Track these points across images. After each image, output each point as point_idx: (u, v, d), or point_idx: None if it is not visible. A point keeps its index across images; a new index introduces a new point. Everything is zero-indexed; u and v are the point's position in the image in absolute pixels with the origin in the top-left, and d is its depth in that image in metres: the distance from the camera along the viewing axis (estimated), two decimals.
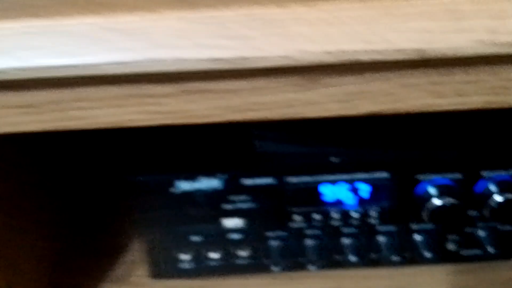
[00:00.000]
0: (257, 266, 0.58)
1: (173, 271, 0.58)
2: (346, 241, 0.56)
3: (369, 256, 0.58)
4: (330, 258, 0.58)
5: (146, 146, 0.55)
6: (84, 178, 0.72)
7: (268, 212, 0.54)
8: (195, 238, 0.56)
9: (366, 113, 0.36)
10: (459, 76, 0.34)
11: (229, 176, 0.51)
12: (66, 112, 0.35)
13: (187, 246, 0.56)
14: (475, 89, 0.35)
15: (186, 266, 0.58)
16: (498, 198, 0.51)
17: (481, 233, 0.56)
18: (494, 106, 0.36)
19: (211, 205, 0.53)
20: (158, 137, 0.57)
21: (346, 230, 0.56)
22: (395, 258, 0.57)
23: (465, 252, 0.58)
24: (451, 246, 0.57)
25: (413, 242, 0.56)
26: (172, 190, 0.52)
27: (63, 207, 0.65)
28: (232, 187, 0.52)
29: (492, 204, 0.51)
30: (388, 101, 0.35)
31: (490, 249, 0.55)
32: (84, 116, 0.35)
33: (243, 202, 0.53)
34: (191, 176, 0.51)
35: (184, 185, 0.52)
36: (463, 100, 0.35)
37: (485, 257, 0.57)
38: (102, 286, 0.60)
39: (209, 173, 0.51)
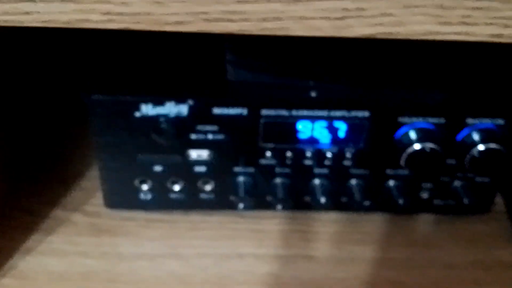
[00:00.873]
0: (222, 202, 0.55)
1: (130, 201, 0.55)
2: (317, 182, 0.53)
3: (340, 200, 0.55)
4: (299, 199, 0.55)
5: (108, 63, 0.50)
6: (38, 97, 0.66)
7: (237, 146, 0.50)
8: (157, 168, 0.52)
9: (360, 35, 0.32)
10: (469, 1, 0.30)
11: (199, 103, 0.47)
12: (15, 5, 0.30)
13: (147, 175, 0.52)
14: (484, 17, 0.31)
15: (145, 197, 0.54)
16: (480, 147, 0.48)
17: (458, 183, 0.54)
18: (500, 40, 0.32)
19: (176, 134, 0.48)
20: (122, 53, 0.51)
21: (318, 170, 0.53)
22: (366, 203, 0.54)
23: (438, 203, 0.56)
24: (425, 195, 0.55)
25: (387, 188, 0.54)
26: (135, 113, 0.47)
27: (16, 131, 0.60)
28: (200, 115, 0.48)
29: (474, 153, 0.49)
30: (386, 23, 0.31)
31: (465, 201, 0.53)
32: (34, 10, 0.30)
33: (211, 132, 0.49)
34: (157, 99, 0.47)
35: (149, 109, 0.47)
36: (469, 30, 0.31)
37: (459, 210, 0.55)
38: (56, 213, 0.56)
39: (177, 98, 0.47)
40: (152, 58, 0.51)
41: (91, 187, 0.58)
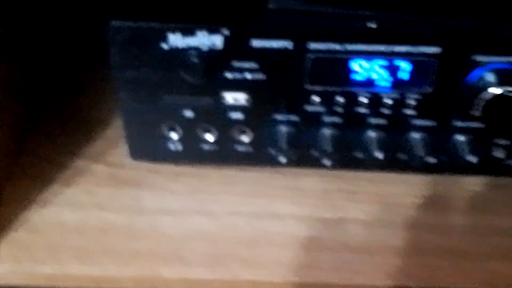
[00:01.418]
0: (260, 155, 0.48)
1: (157, 152, 0.48)
2: (372, 134, 0.46)
3: (398, 157, 0.47)
4: (350, 154, 0.47)
5: None
6: (58, 33, 0.60)
7: (279, 87, 0.43)
8: (187, 113, 0.45)
9: None
10: None
11: (235, 34, 0.40)
12: None
13: (175, 121, 0.46)
14: None
15: (173, 147, 0.48)
16: None
17: None
18: None
19: (208, 71, 0.41)
20: None
21: (374, 120, 0.45)
22: (429, 161, 0.46)
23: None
24: (499, 154, 0.47)
25: (454, 143, 0.46)
26: (161, 45, 0.40)
27: (31, 66, 0.54)
28: (237, 49, 0.41)
29: None
30: None
31: None
32: None
33: (249, 71, 0.42)
34: (187, 28, 0.40)
35: (177, 40, 0.40)
36: None
37: None
38: (75, 163, 0.50)
39: (210, 27, 0.40)
40: None
41: (115, 135, 0.52)
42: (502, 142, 0.46)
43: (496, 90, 0.40)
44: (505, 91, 0.40)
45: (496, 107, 0.41)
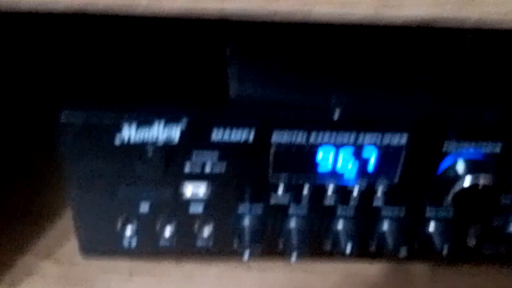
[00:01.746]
0: (223, 250, 0.45)
1: (111, 248, 0.45)
2: (340, 225, 0.43)
3: (369, 247, 0.45)
4: (318, 246, 0.45)
5: (82, 72, 0.41)
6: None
7: (242, 179, 0.41)
8: (143, 207, 0.42)
9: (410, 18, 0.23)
10: None
11: (194, 125, 0.38)
12: None
13: (131, 216, 0.42)
14: None
15: (129, 242, 0.44)
16: None
17: None
18: None
19: (166, 164, 0.39)
20: (98, 61, 0.42)
21: (341, 211, 0.43)
22: (400, 251, 0.44)
23: (489, 251, 0.45)
24: (472, 242, 0.45)
25: (426, 232, 0.44)
26: (114, 138, 0.38)
27: None
28: (196, 140, 0.38)
29: None
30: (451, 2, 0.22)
31: None
32: None
33: (209, 162, 0.39)
34: (142, 119, 0.37)
35: (132, 132, 0.38)
36: None
37: None
38: (21, 261, 0.46)
39: (167, 118, 0.37)
40: (137, 67, 0.42)
41: (65, 229, 0.48)
42: (476, 229, 0.44)
43: (467, 181, 0.39)
44: (476, 181, 0.38)
45: (469, 197, 0.39)
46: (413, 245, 0.45)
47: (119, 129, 0.37)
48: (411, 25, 0.23)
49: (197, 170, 0.40)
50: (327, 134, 0.38)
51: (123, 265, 0.46)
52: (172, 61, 0.43)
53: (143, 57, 0.43)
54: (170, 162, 0.39)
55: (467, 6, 0.22)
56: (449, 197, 0.40)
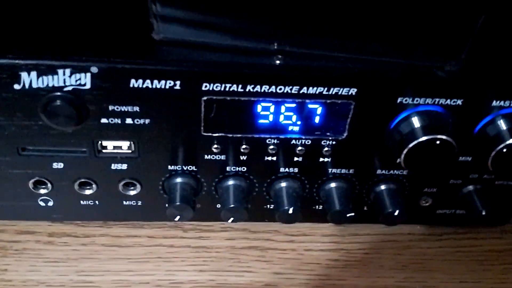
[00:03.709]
0: (152, 212, 0.40)
1: (26, 210, 0.40)
2: (282, 185, 0.39)
3: (313, 208, 0.41)
4: (257, 208, 0.40)
5: None
6: None
7: (171, 134, 0.35)
8: (56, 165, 0.37)
9: None
10: None
11: (107, 71, 0.32)
12: None
13: (44, 175, 0.37)
14: None
15: (45, 204, 0.39)
16: (509, 140, 0.34)
17: (471, 188, 0.40)
18: None
19: (77, 116, 0.33)
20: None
21: (284, 169, 0.38)
22: (347, 213, 0.39)
23: (444, 212, 0.42)
24: (426, 202, 0.41)
25: (376, 193, 0.40)
26: (13, 85, 0.32)
27: None
28: (111, 89, 0.32)
29: (499, 148, 0.35)
30: None
31: (480, 210, 0.39)
32: None
33: (130, 115, 0.34)
34: (43, 66, 0.31)
35: (33, 80, 0.32)
36: None
37: (470, 220, 0.41)
38: None
39: (75, 65, 0.31)
40: (39, 3, 0.36)
41: None
42: (431, 190, 0.40)
43: (422, 137, 0.34)
44: (433, 138, 0.34)
45: (422, 154, 0.35)
46: (363, 207, 0.41)
47: (18, 76, 0.31)
48: None
49: (116, 123, 0.34)
50: (265, 86, 0.33)
51: (42, 227, 0.41)
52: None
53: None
54: (81, 114, 0.33)
55: None
56: (402, 155, 0.35)
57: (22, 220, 0.41)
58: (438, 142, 0.34)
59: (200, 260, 0.41)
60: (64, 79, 0.32)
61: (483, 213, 0.39)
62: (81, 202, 0.39)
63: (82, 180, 0.38)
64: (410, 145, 0.34)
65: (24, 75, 0.31)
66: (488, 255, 0.43)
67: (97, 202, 0.39)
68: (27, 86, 0.32)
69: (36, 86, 0.32)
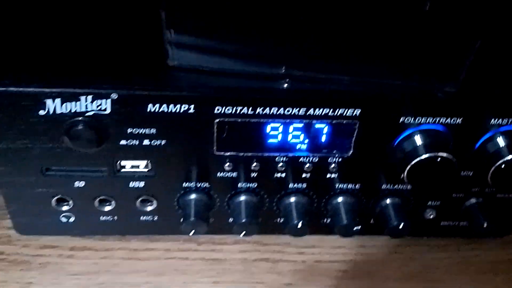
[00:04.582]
0: (167, 226, 0.42)
1: (48, 226, 0.42)
2: (292, 200, 0.41)
3: (321, 222, 0.43)
4: (268, 222, 0.42)
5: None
6: None
7: (185, 154, 0.38)
8: (78, 184, 0.39)
9: None
10: None
11: (126, 97, 0.34)
12: None
13: (66, 194, 0.39)
14: None
15: (66, 220, 0.41)
16: (507, 156, 0.36)
17: (473, 201, 0.42)
18: None
19: (97, 139, 0.35)
20: (21, 25, 0.38)
21: (293, 185, 0.40)
22: (355, 226, 0.41)
23: (447, 224, 0.44)
24: (430, 215, 0.43)
25: (382, 207, 0.41)
26: (38, 112, 0.34)
27: None
28: (130, 114, 0.35)
29: (499, 164, 0.36)
30: None
31: (482, 223, 0.41)
32: None
33: (147, 137, 0.36)
34: (67, 93, 0.33)
35: (57, 106, 0.34)
36: None
37: (473, 232, 0.43)
38: None
39: (95, 92, 0.34)
40: (62, 34, 0.38)
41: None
42: (434, 203, 0.42)
43: (423, 155, 0.36)
44: (434, 155, 0.36)
45: (424, 170, 0.37)
46: (369, 220, 0.43)
47: (43, 103, 0.33)
48: None
49: (135, 144, 0.36)
50: (274, 108, 0.35)
51: (64, 241, 0.43)
52: (103, 27, 0.38)
53: (68, 23, 0.39)
54: (102, 136, 0.35)
55: None
56: (406, 172, 0.37)
57: (45, 235, 0.43)
58: (439, 159, 0.36)
59: (213, 272, 0.43)
60: (86, 105, 0.34)
61: (485, 225, 0.41)
62: (101, 218, 0.41)
63: (102, 197, 0.40)
64: (413, 162, 0.36)
65: (49, 102, 0.33)
66: (490, 265, 0.45)
67: (115, 217, 0.41)
68: (51, 112, 0.34)
69: (60, 111, 0.34)
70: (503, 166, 0.36)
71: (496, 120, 0.36)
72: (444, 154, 0.36)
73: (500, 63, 0.38)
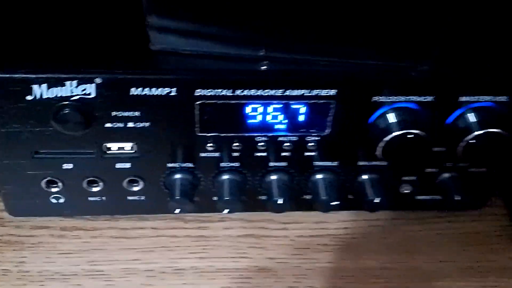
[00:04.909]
0: (154, 205, 0.44)
1: (40, 207, 0.43)
2: (273, 177, 0.42)
3: (302, 199, 0.44)
4: (251, 199, 0.44)
5: None
6: None
7: (170, 135, 0.39)
8: (66, 166, 0.40)
9: None
10: None
11: (110, 82, 0.35)
12: None
13: (55, 175, 0.41)
14: None
15: (56, 201, 0.43)
16: (477, 131, 0.38)
17: (447, 175, 0.43)
18: None
19: (84, 122, 0.37)
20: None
21: (274, 163, 0.42)
22: (333, 202, 0.43)
23: (422, 198, 0.46)
24: (406, 190, 0.45)
25: (359, 183, 0.43)
26: (26, 97, 0.35)
27: None
28: (114, 97, 0.36)
29: (469, 139, 0.38)
30: None
31: (455, 196, 0.43)
32: None
33: (132, 120, 0.38)
34: (52, 79, 0.35)
35: (43, 91, 0.35)
36: None
37: (447, 205, 0.45)
38: None
39: (80, 77, 0.35)
40: (46, 21, 0.39)
41: None
42: (409, 178, 0.44)
43: (397, 132, 0.38)
44: (407, 132, 0.38)
45: (398, 147, 0.39)
46: (348, 195, 0.45)
47: (29, 89, 0.35)
48: None
49: (120, 127, 0.38)
50: (253, 91, 0.36)
51: (55, 222, 0.45)
52: (87, 14, 0.40)
53: (52, 12, 0.40)
54: (88, 119, 0.37)
55: None
56: (380, 148, 0.39)
57: (36, 216, 0.45)
58: (410, 136, 0.37)
59: (200, 248, 0.44)
60: (71, 90, 0.35)
61: (457, 198, 0.43)
62: (90, 198, 0.43)
63: (90, 178, 0.41)
64: (386, 139, 0.38)
65: (35, 87, 0.35)
66: (466, 236, 0.47)
67: (104, 198, 0.43)
68: (38, 97, 0.35)
69: (46, 96, 0.35)
70: (473, 141, 0.38)
71: (467, 97, 0.38)
72: (416, 131, 0.37)
73: (471, 42, 0.40)
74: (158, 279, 0.42)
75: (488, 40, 0.40)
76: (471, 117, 0.39)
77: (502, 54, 0.39)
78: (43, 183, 0.41)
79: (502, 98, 0.38)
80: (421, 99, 0.38)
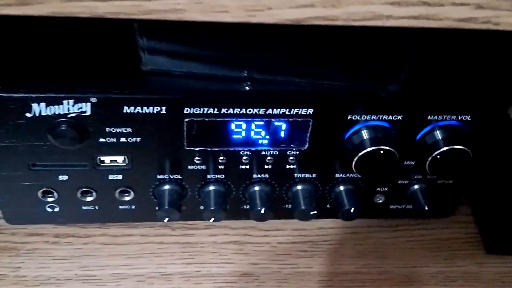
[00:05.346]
0: (143, 214, 0.47)
1: (35, 215, 0.46)
2: (256, 189, 0.45)
3: (283, 208, 0.48)
4: (236, 208, 0.47)
5: None
6: None
7: (159, 150, 0.42)
8: (62, 177, 0.43)
9: (281, 20, 0.24)
10: None
11: (104, 101, 0.38)
12: None
13: (51, 186, 0.43)
14: None
15: (51, 210, 0.45)
16: (443, 148, 0.41)
17: (417, 186, 0.47)
18: (470, 26, 0.25)
19: (79, 137, 0.39)
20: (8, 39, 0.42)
21: (257, 175, 0.45)
22: (312, 211, 0.46)
23: (395, 207, 0.49)
24: (379, 200, 0.48)
25: (336, 193, 0.46)
26: (26, 114, 0.38)
27: None
28: (108, 114, 0.39)
29: (436, 155, 0.41)
30: (318, 3, 0.23)
31: (425, 205, 0.46)
32: None
33: (124, 135, 0.40)
34: (50, 98, 0.37)
35: (42, 109, 0.38)
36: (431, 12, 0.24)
37: (418, 213, 0.48)
38: None
39: (76, 96, 0.38)
40: (45, 44, 0.42)
41: None
42: (382, 189, 0.47)
43: (370, 147, 0.41)
44: (379, 148, 0.41)
45: (371, 161, 0.42)
46: (326, 205, 0.48)
47: (29, 106, 0.37)
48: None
49: (112, 141, 0.40)
50: (237, 109, 0.39)
51: (48, 229, 0.47)
52: (82, 38, 0.42)
53: (49, 36, 0.42)
54: (83, 135, 0.39)
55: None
56: (354, 162, 0.42)
57: (31, 224, 0.47)
58: (382, 151, 0.41)
59: (187, 254, 0.47)
60: (68, 108, 0.38)
61: (426, 208, 0.46)
62: (83, 207, 0.46)
63: (84, 189, 0.44)
64: (359, 154, 0.41)
65: (34, 105, 0.37)
66: (436, 242, 0.50)
67: (96, 207, 0.46)
68: (37, 114, 0.38)
69: (44, 114, 0.38)
70: (439, 156, 0.42)
71: (433, 116, 0.41)
72: (387, 147, 0.41)
73: (437, 65, 0.43)
74: (147, 283, 0.45)
75: (452, 63, 0.43)
76: (438, 135, 0.42)
77: (465, 77, 0.42)
78: (39, 193, 0.44)
79: (466, 117, 0.41)
80: (392, 117, 0.41)
